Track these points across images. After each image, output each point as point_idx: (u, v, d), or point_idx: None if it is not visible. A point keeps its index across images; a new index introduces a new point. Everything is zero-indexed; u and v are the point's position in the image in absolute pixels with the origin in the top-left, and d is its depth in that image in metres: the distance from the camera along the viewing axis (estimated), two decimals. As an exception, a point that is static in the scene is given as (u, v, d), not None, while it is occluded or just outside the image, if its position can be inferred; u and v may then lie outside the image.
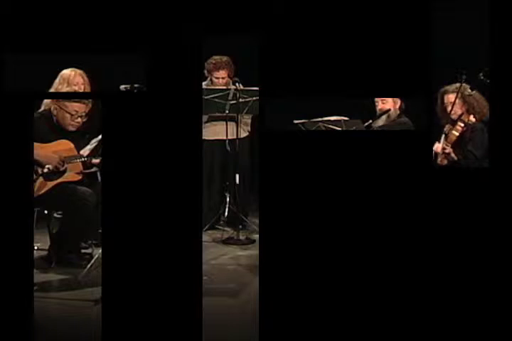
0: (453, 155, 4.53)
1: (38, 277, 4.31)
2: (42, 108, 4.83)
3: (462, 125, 4.59)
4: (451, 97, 4.59)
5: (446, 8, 3.69)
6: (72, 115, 4.72)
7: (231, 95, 5.77)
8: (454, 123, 4.62)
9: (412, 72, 3.54)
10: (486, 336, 3.53)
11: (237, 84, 5.81)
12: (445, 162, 4.52)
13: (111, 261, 3.54)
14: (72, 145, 4.76)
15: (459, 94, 4.57)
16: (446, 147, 4.52)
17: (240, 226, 5.82)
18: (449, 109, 4.58)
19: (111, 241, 3.54)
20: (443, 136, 4.61)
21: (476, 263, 3.56)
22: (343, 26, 3.52)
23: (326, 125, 4.66)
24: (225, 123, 5.89)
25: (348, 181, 3.54)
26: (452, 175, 3.80)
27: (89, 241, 4.95)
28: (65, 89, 4.89)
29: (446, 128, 4.64)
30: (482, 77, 4.21)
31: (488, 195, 3.57)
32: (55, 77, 4.95)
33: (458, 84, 4.59)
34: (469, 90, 4.52)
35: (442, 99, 4.60)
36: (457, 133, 4.58)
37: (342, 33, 3.52)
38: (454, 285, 3.56)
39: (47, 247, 4.82)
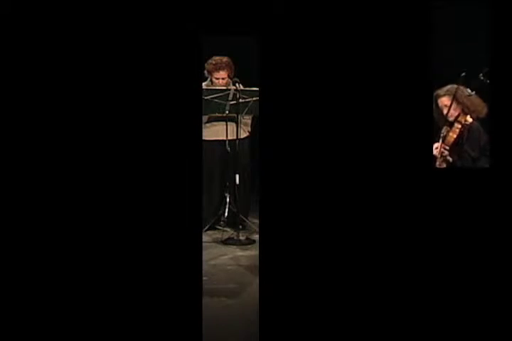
0: (449, 158, 4.55)
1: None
2: None
3: (460, 126, 4.61)
4: (444, 100, 4.60)
5: (446, 7, 3.69)
6: None
7: (231, 95, 5.79)
8: (451, 125, 4.64)
9: (411, 72, 3.54)
10: (486, 336, 3.54)
11: (237, 85, 5.82)
12: (444, 165, 4.52)
13: (110, 261, 3.53)
14: None
15: (452, 96, 4.59)
16: (444, 150, 4.54)
17: (240, 227, 5.83)
18: (445, 111, 4.61)
19: (110, 242, 3.54)
20: (441, 139, 4.63)
21: (476, 264, 3.56)
22: (343, 25, 3.52)
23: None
24: (225, 123, 5.90)
25: (348, 181, 3.54)
26: (452, 176, 3.80)
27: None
28: None
29: (444, 130, 4.66)
30: (482, 77, 4.22)
31: (488, 195, 3.57)
32: None
33: (449, 86, 4.60)
34: (469, 91, 4.52)
35: (436, 102, 4.61)
36: (455, 135, 4.60)
37: (342, 33, 3.52)
38: (454, 286, 3.56)
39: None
